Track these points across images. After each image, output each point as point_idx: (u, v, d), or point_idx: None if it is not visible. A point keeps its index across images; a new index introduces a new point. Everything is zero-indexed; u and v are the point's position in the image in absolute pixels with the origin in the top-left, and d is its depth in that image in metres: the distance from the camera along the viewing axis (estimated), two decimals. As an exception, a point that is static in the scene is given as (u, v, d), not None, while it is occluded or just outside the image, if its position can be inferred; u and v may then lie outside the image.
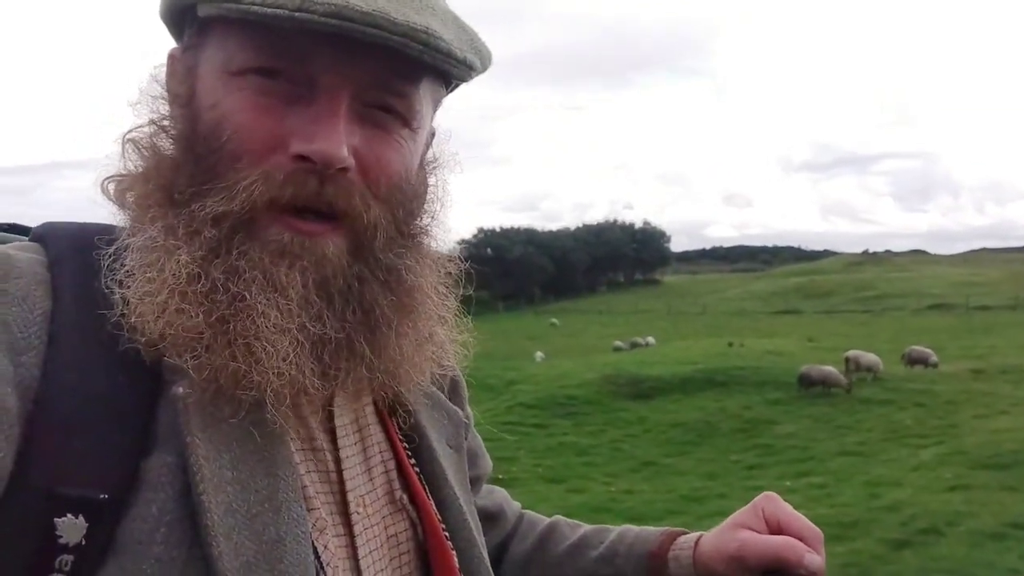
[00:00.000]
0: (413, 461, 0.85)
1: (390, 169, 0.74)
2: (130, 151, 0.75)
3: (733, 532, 0.92)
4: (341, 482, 0.77)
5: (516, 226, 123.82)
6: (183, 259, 0.67)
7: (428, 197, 0.83)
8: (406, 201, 0.77)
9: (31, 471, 0.60)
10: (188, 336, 0.66)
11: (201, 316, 0.66)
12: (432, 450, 0.87)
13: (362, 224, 0.72)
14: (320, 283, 0.70)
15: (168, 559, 0.61)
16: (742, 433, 16.20)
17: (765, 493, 0.94)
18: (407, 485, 0.83)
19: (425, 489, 0.84)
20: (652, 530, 1.03)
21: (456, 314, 0.86)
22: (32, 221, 0.81)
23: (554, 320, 61.21)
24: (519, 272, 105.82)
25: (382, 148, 0.73)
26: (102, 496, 0.61)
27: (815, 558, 0.85)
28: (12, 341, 0.63)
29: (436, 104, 0.82)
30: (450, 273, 0.85)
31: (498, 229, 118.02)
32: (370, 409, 0.84)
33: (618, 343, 35.15)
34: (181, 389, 0.66)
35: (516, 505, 1.16)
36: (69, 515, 0.60)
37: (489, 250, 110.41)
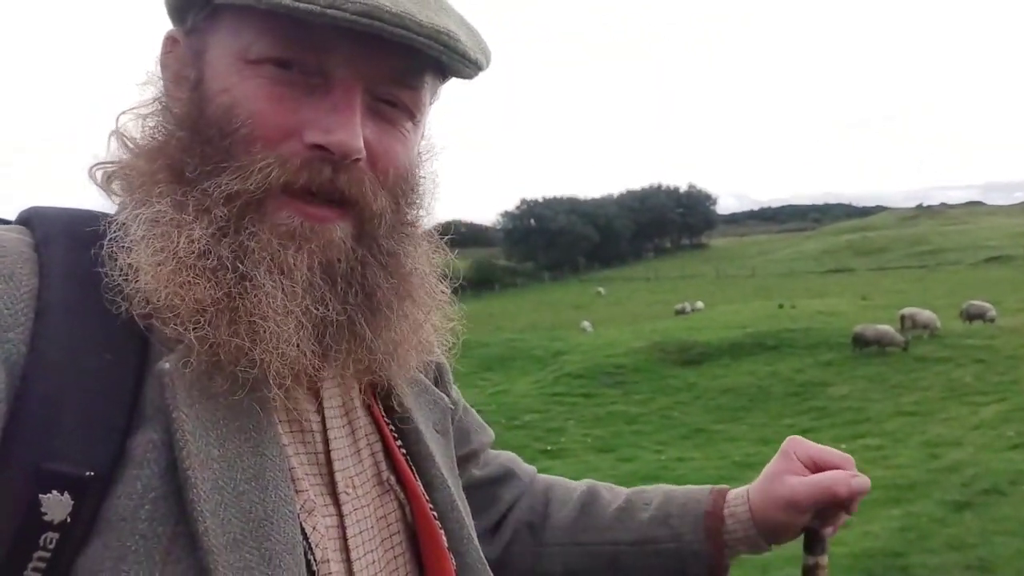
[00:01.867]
0: (400, 443, 0.86)
1: (396, 161, 0.76)
2: (130, 132, 0.76)
3: (780, 480, 0.96)
4: (329, 463, 0.77)
5: (559, 195, 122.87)
6: (195, 234, 0.68)
7: (421, 188, 0.84)
8: (408, 191, 0.79)
9: (17, 447, 0.60)
10: (193, 308, 0.66)
11: (209, 290, 0.67)
12: (419, 432, 0.88)
13: (370, 212, 0.74)
14: (325, 266, 0.72)
15: (153, 536, 0.61)
16: (795, 397, 16.00)
17: (789, 437, 1.00)
18: (394, 467, 0.84)
19: (413, 471, 0.85)
20: (698, 489, 1.06)
21: (448, 301, 0.88)
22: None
23: (600, 289, 60.92)
24: (563, 242, 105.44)
25: (390, 140, 0.75)
26: (88, 473, 0.60)
27: (862, 480, 0.92)
28: None
29: (434, 97, 0.84)
30: (439, 262, 0.87)
31: (540, 199, 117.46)
32: (356, 392, 0.84)
33: (679, 306, 35.02)
34: (168, 365, 0.65)
35: (528, 467, 1.17)
36: (54, 492, 0.59)
37: (532, 220, 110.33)
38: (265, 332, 0.67)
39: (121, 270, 0.67)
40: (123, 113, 0.77)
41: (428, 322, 0.83)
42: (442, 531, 0.83)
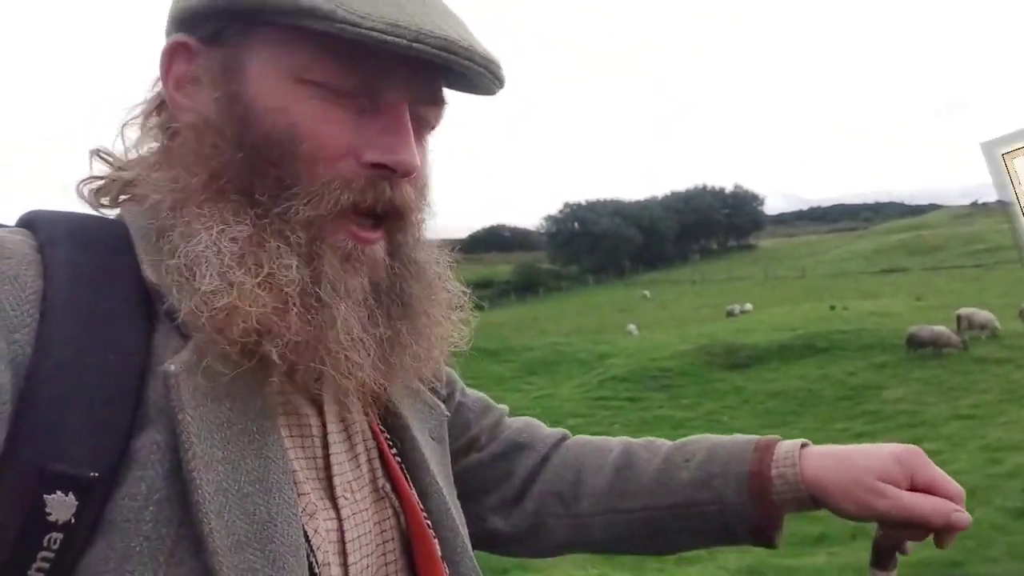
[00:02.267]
0: (395, 451, 0.87)
1: (425, 174, 0.81)
2: (132, 139, 0.77)
3: (871, 481, 0.90)
4: (328, 468, 0.78)
5: (602, 198, 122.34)
6: (284, 260, 0.70)
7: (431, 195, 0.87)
8: (428, 202, 0.84)
9: (22, 447, 0.60)
10: (281, 331, 0.68)
11: (293, 313, 0.69)
12: (414, 440, 0.88)
13: (409, 223, 0.78)
14: (374, 285, 0.76)
15: (157, 537, 0.62)
16: (847, 400, 15.70)
17: (908, 447, 0.93)
18: (389, 474, 0.85)
19: (407, 479, 0.86)
20: (742, 443, 1.01)
21: (464, 299, 0.89)
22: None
23: (645, 292, 60.45)
24: (607, 244, 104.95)
25: (421, 155, 0.79)
26: (92, 474, 0.61)
27: (963, 516, 0.87)
28: (5, 319, 0.64)
29: None
30: (448, 263, 0.89)
31: (584, 202, 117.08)
32: (352, 398, 0.84)
33: (731, 307, 35.03)
34: (173, 367, 0.66)
35: (550, 431, 1.14)
36: (59, 492, 0.60)
37: (576, 224, 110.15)
38: (340, 356, 0.71)
39: (187, 280, 0.68)
40: (128, 121, 0.78)
41: (448, 322, 0.86)
42: (436, 540, 0.83)
